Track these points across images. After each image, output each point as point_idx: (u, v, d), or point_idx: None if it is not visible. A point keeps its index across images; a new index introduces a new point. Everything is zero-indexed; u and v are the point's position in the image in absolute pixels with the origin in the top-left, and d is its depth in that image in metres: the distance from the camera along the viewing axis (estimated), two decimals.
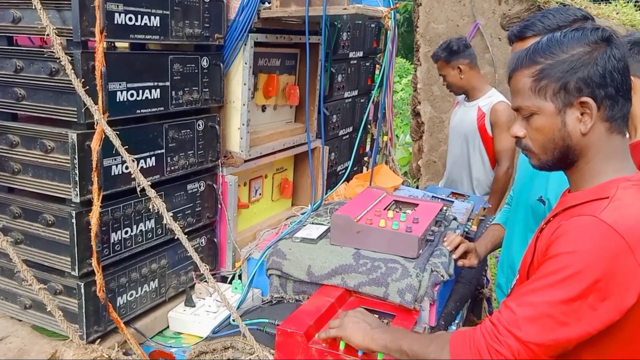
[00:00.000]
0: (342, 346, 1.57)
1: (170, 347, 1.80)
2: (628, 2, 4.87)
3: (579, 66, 1.25)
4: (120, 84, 1.60)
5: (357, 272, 1.89)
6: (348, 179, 2.87)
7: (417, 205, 2.30)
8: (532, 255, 1.35)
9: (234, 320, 1.76)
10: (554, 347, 1.17)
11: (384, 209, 2.19)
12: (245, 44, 2.02)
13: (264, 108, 2.37)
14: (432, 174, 5.26)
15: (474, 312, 2.77)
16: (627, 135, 1.40)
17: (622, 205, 1.21)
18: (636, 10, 4.87)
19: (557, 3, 4.38)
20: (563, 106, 1.27)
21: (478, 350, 1.22)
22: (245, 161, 2.14)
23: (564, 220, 1.25)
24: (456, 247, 2.06)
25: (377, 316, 1.64)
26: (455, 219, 2.38)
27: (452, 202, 2.74)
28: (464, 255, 2.08)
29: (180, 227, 1.91)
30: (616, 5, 4.79)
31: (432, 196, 2.77)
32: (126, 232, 1.70)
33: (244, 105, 2.07)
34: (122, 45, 1.71)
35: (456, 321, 2.09)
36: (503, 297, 2.18)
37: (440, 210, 2.27)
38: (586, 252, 1.16)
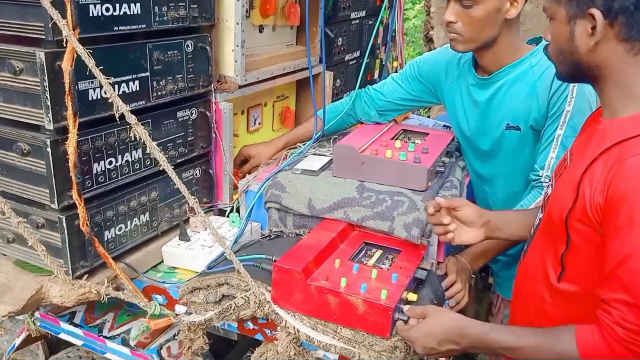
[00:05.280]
0: (343, 283, 1.48)
1: (164, 282, 1.72)
2: None
3: None
4: None
5: (360, 205, 1.76)
6: None
7: (427, 134, 2.15)
8: (575, 199, 1.17)
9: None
10: None
11: (391, 139, 2.04)
12: None
13: (261, 29, 2.16)
14: None
15: None
16: None
17: None
18: None
19: None
20: (574, 15, 1.13)
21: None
22: (241, 87, 1.97)
23: (616, 164, 1.09)
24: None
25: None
26: None
27: None
28: None
29: (172, 158, 1.79)
30: None
31: (444, 125, 2.60)
32: (110, 163, 1.57)
33: (237, 24, 1.87)
34: None
35: None
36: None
37: (452, 139, 2.12)
38: None
